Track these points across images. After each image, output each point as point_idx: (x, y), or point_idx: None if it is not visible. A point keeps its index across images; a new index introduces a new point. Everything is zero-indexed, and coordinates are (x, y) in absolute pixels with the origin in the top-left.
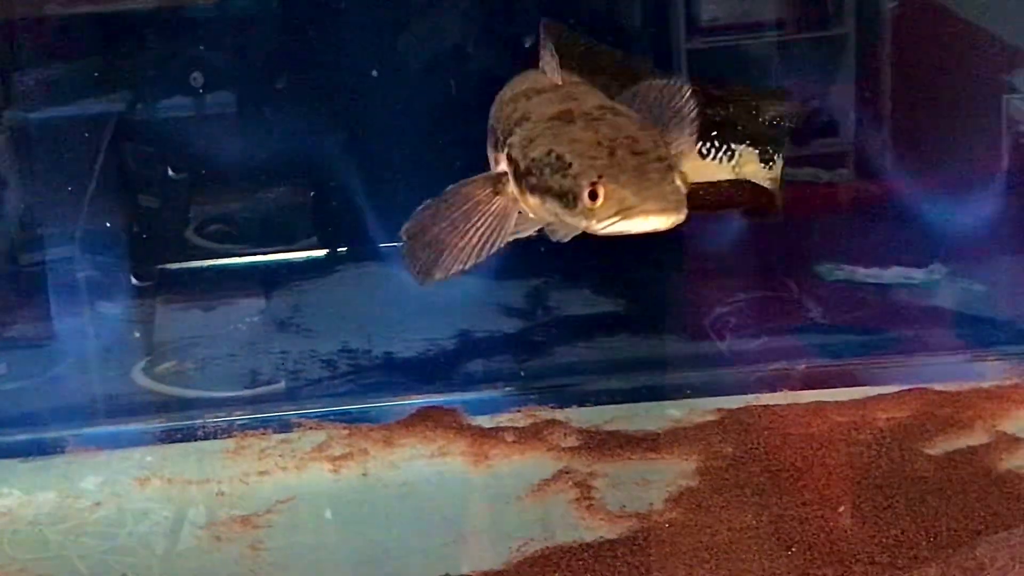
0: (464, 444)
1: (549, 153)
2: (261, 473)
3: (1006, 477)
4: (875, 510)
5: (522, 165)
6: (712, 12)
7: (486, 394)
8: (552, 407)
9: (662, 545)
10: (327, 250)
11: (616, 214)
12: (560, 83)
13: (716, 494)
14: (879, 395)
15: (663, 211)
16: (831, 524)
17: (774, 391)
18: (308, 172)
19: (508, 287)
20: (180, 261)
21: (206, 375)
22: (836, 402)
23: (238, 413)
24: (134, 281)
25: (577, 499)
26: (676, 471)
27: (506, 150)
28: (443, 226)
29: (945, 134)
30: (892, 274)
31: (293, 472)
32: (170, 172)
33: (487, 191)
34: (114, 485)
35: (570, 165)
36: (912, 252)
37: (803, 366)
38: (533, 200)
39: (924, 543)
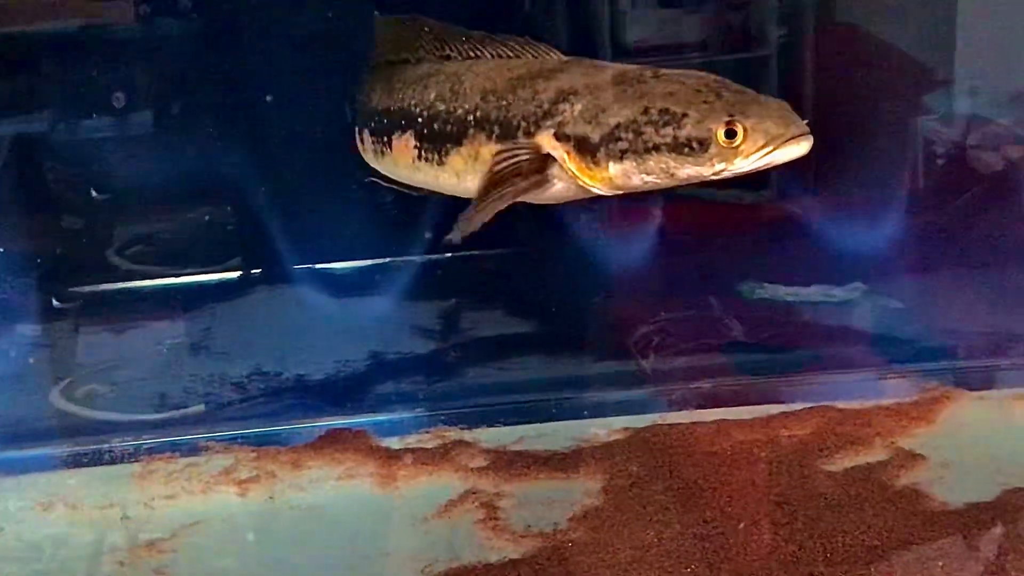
0: (372, 466)
1: (646, 111)
2: (167, 497)
3: (903, 493)
4: (774, 527)
5: (596, 136)
6: (638, 34)
7: (395, 416)
8: (461, 428)
9: (565, 564)
10: (241, 272)
11: (765, 145)
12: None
13: (620, 512)
14: (783, 413)
15: (805, 136)
16: (731, 541)
17: (681, 410)
18: (225, 194)
19: (421, 308)
20: (101, 283)
21: (121, 398)
22: (740, 420)
23: (146, 437)
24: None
25: (483, 519)
26: (582, 490)
27: (549, 131)
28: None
29: (864, 154)
30: (813, 292)
31: (199, 496)
32: (93, 193)
33: (536, 179)
34: (16, 511)
35: (685, 115)
36: (832, 271)
37: (710, 385)
38: (621, 167)
39: (821, 560)
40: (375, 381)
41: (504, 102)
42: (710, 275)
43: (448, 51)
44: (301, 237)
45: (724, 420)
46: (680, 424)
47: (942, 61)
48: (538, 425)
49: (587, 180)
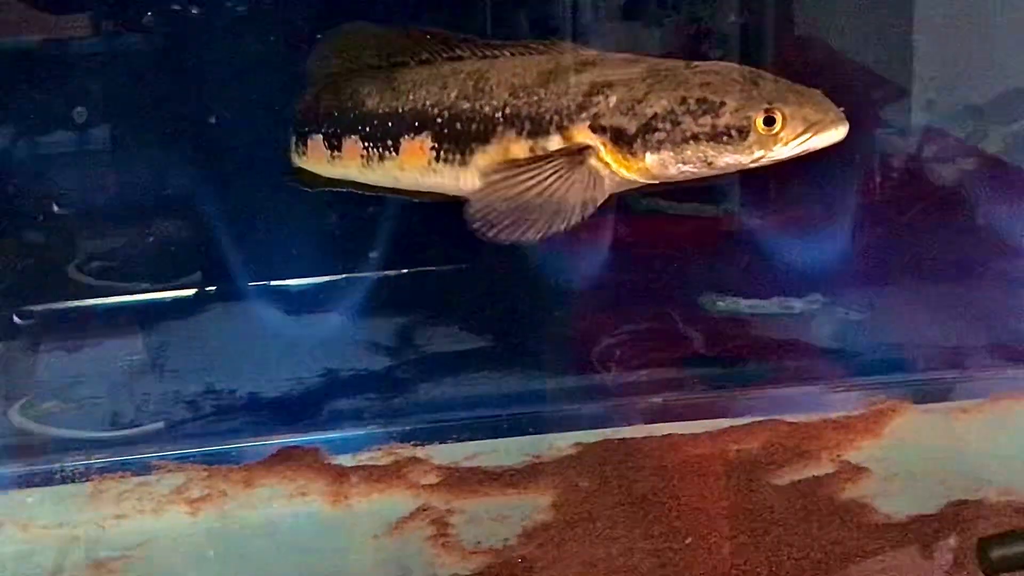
0: (324, 483)
1: (683, 101)
2: (118, 517)
3: (848, 506)
4: (720, 540)
5: (633, 127)
6: (599, 47)
7: (349, 433)
8: (414, 444)
9: None
10: (196, 289)
11: (804, 132)
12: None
13: (570, 528)
14: (732, 427)
15: (843, 121)
16: (678, 556)
17: (632, 424)
18: (179, 212)
19: (377, 324)
20: (62, 300)
21: (74, 416)
22: (691, 434)
23: (99, 456)
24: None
25: (434, 536)
26: (532, 506)
27: (584, 123)
28: (530, 199)
29: (823, 167)
30: (772, 304)
31: (150, 515)
32: (55, 207)
33: (572, 170)
34: None
35: (723, 103)
36: (793, 283)
37: (661, 399)
38: (658, 157)
39: (766, 573)
40: (328, 398)
41: (535, 97)
42: (669, 289)
43: (425, 54)
44: (256, 254)
45: (674, 434)
46: (631, 439)
47: (899, 74)
48: (491, 441)
49: (623, 171)
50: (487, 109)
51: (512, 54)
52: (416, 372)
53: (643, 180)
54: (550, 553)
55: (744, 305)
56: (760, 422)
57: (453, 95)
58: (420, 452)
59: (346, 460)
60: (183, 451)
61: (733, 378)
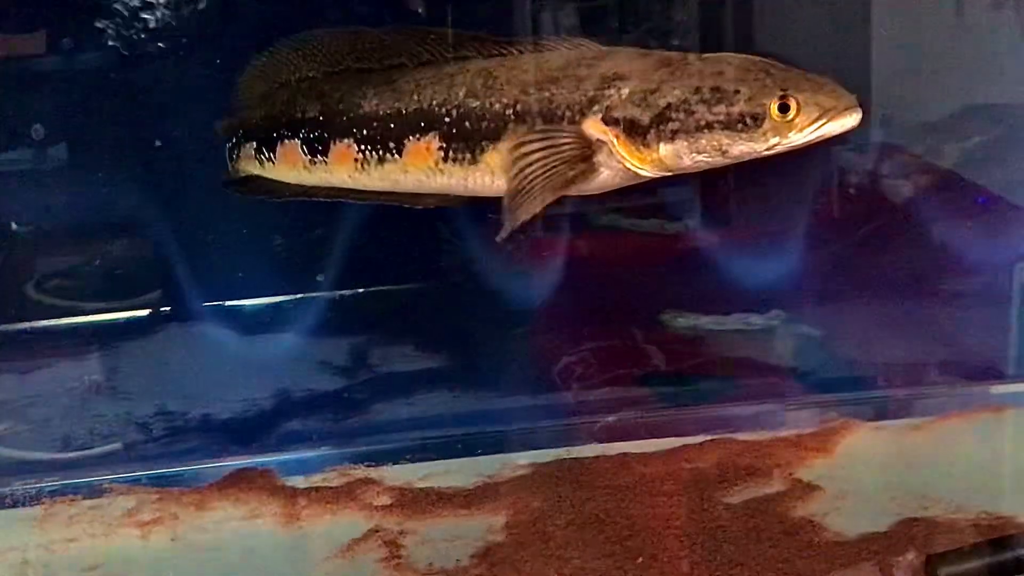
0: (276, 505)
1: (697, 91)
2: (68, 540)
3: (799, 524)
4: (672, 560)
5: (646, 118)
6: None
7: (302, 454)
8: (367, 465)
9: None
10: (150, 310)
11: (819, 118)
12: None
13: (521, 549)
14: (685, 445)
15: (856, 108)
16: (630, 575)
17: (585, 443)
18: (137, 231)
19: (331, 344)
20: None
21: (25, 438)
22: (643, 453)
23: (47, 479)
24: None
25: (386, 558)
26: (484, 526)
27: (596, 116)
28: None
29: (783, 185)
30: (733, 320)
31: (101, 539)
32: (13, 225)
33: (583, 168)
34: None
35: (737, 92)
36: (753, 299)
37: (615, 418)
38: (672, 147)
39: None
40: (282, 419)
41: (547, 93)
42: (629, 306)
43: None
44: (211, 274)
45: (627, 453)
46: (584, 458)
47: (856, 91)
48: (444, 461)
49: (636, 163)
50: (497, 106)
51: (520, 51)
52: (371, 392)
53: (655, 173)
54: (503, 574)
55: (705, 321)
56: (713, 440)
57: (461, 94)
58: (373, 473)
59: (299, 482)
60: (135, 474)
61: (688, 396)
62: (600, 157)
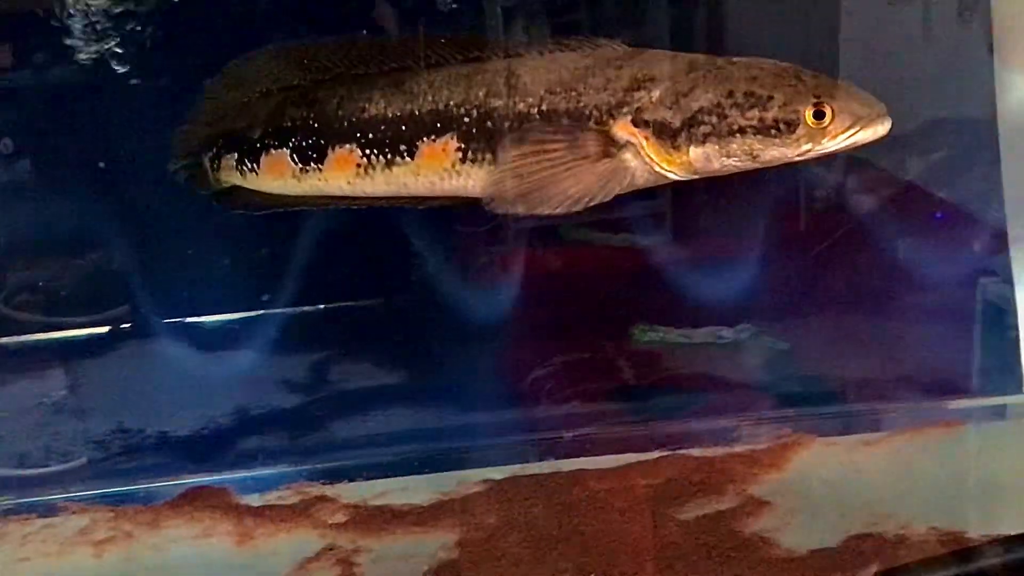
0: (230, 524)
1: (730, 95)
2: (21, 560)
3: (750, 541)
4: None
5: (678, 121)
6: None
7: (257, 472)
8: (323, 483)
9: None
10: (111, 326)
11: (852, 126)
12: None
13: (474, 566)
14: (640, 461)
15: (887, 116)
16: None
17: (541, 460)
18: (95, 247)
19: (291, 361)
20: None
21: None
22: (598, 469)
23: (2, 498)
24: None
25: None
26: (438, 544)
27: (626, 118)
28: (543, 169)
29: (753, 199)
30: (703, 334)
31: (55, 558)
32: None
33: (596, 151)
34: None
35: (771, 97)
36: (723, 312)
37: (571, 434)
38: (702, 150)
39: None
40: (239, 437)
41: (574, 93)
42: (594, 321)
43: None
44: (172, 290)
45: (583, 469)
46: (540, 475)
47: None
48: (401, 479)
49: (664, 165)
50: (521, 106)
51: (542, 52)
52: (328, 410)
53: (683, 175)
54: None
55: (676, 335)
56: (667, 456)
57: (482, 94)
58: (329, 491)
59: (254, 500)
60: (90, 492)
61: (646, 411)
62: (627, 157)
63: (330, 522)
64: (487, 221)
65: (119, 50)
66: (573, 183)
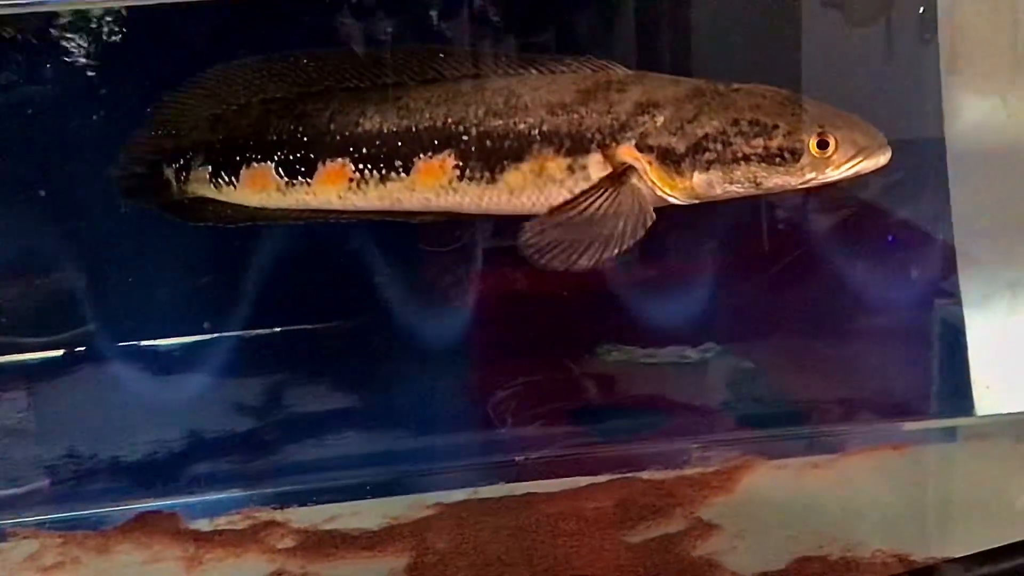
0: (179, 549)
1: (735, 123)
2: None
3: (697, 564)
4: None
5: (682, 147)
6: None
7: (208, 497)
8: (273, 508)
9: None
10: (65, 350)
11: (855, 156)
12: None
13: None
14: (590, 484)
15: (888, 147)
16: None
17: (492, 483)
18: (50, 270)
19: (247, 385)
20: None
21: None
22: (549, 492)
23: None
24: None
25: None
26: (387, 569)
27: (630, 143)
28: (578, 230)
29: (715, 217)
30: (667, 353)
31: None
32: None
33: (615, 193)
34: None
35: (776, 126)
36: (688, 331)
37: (523, 458)
38: (706, 177)
39: None
40: (190, 462)
41: (575, 115)
42: (555, 342)
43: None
44: (127, 314)
45: (533, 493)
46: (490, 499)
47: None
48: (352, 503)
49: (667, 190)
50: (522, 126)
51: (541, 71)
52: (281, 434)
53: (684, 200)
54: None
55: (641, 355)
56: (617, 479)
57: (481, 112)
58: (279, 515)
59: (203, 525)
60: (40, 517)
61: (598, 434)
62: (632, 181)
63: (279, 547)
64: (452, 241)
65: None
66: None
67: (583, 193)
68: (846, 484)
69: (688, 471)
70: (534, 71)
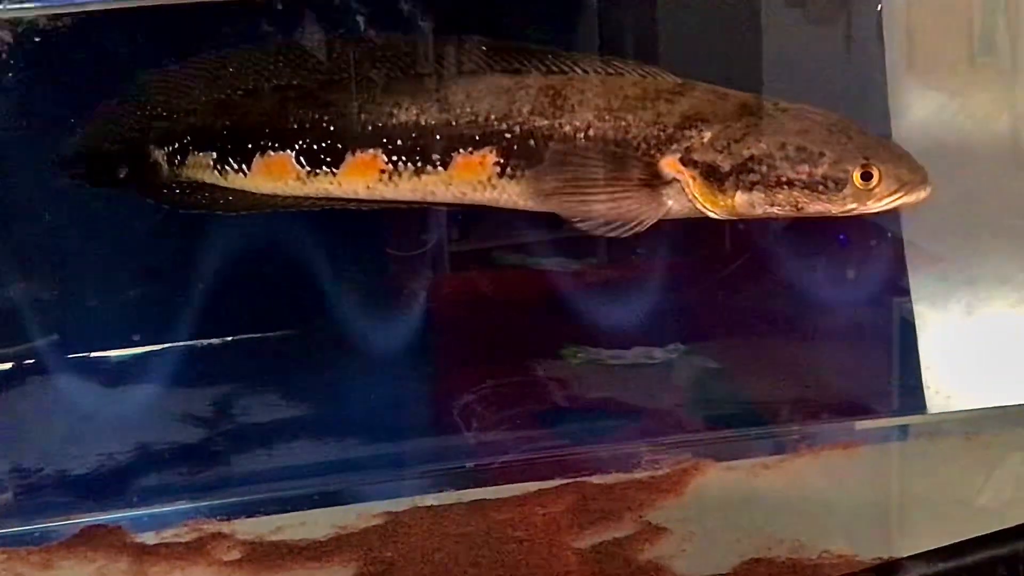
0: (125, 563)
1: (782, 147)
2: None
3: (645, 568)
4: None
5: (727, 165)
6: None
7: (155, 509)
8: (219, 519)
9: None
10: (13, 363)
11: (898, 191)
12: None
13: None
14: (539, 490)
15: (929, 182)
16: None
17: (440, 491)
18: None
19: (195, 395)
20: None
21: None
22: (498, 499)
23: None
24: None
25: None
26: None
27: (675, 155)
28: (588, 191)
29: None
30: (633, 354)
31: None
32: None
33: (641, 191)
34: None
35: (822, 154)
36: (654, 332)
37: (472, 464)
38: (748, 197)
39: None
40: (137, 474)
41: (623, 122)
42: (513, 347)
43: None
44: (75, 325)
45: (482, 500)
46: (438, 506)
47: None
48: (299, 513)
49: (708, 206)
50: (568, 128)
51: (587, 72)
52: (229, 445)
53: (722, 216)
54: None
55: (606, 356)
56: (567, 484)
57: (525, 110)
58: (226, 527)
59: (149, 538)
60: None
61: (550, 439)
62: (669, 192)
63: (225, 559)
64: (418, 246)
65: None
66: (609, 202)
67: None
68: (796, 484)
69: (638, 474)
70: (580, 71)
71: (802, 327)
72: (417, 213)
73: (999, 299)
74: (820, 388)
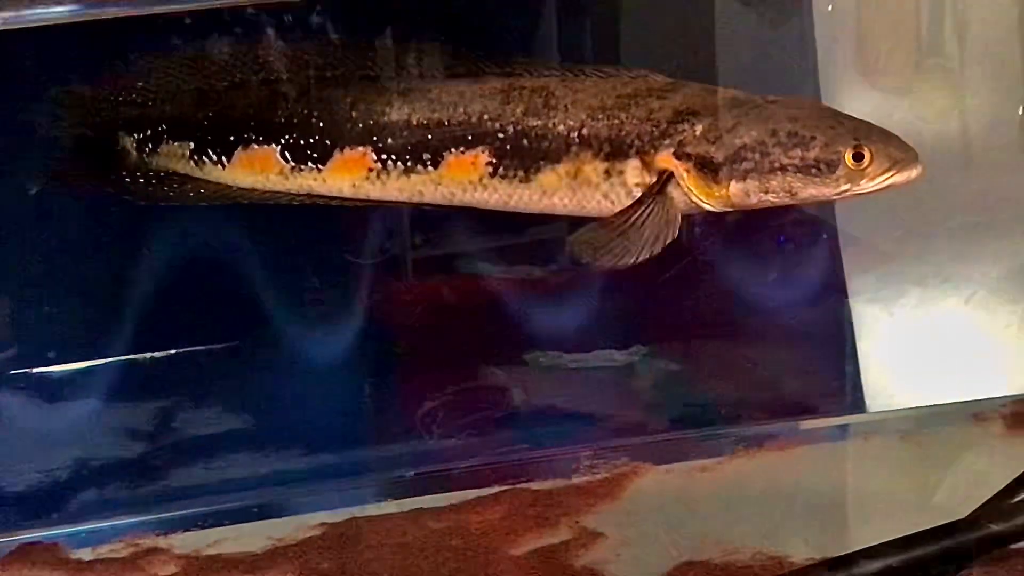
0: None
1: (774, 134)
2: None
3: (580, 574)
4: None
5: (720, 156)
6: None
7: (92, 525)
8: (157, 534)
9: None
10: None
11: (890, 169)
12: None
13: None
14: (477, 497)
15: (919, 161)
16: None
17: (379, 501)
18: None
19: (135, 409)
20: None
21: None
22: (436, 508)
23: None
24: None
25: None
26: None
27: (668, 150)
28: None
29: None
30: (594, 357)
31: None
32: None
33: (655, 207)
34: None
35: (813, 138)
36: (615, 336)
37: (411, 473)
38: (742, 186)
39: None
40: (75, 490)
41: (616, 120)
42: (467, 353)
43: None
44: (17, 340)
45: (420, 509)
46: (376, 516)
47: None
48: (237, 526)
49: (703, 198)
50: (561, 128)
51: (577, 75)
52: (167, 459)
53: (719, 208)
54: None
55: (568, 359)
56: (505, 491)
57: (519, 111)
58: (162, 542)
59: (85, 554)
60: None
61: (491, 446)
62: (668, 189)
63: (161, 574)
64: (379, 253)
65: None
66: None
67: (633, 205)
68: (732, 486)
69: (576, 480)
70: (570, 74)
71: (742, 328)
72: (379, 218)
73: (943, 299)
74: (760, 389)
